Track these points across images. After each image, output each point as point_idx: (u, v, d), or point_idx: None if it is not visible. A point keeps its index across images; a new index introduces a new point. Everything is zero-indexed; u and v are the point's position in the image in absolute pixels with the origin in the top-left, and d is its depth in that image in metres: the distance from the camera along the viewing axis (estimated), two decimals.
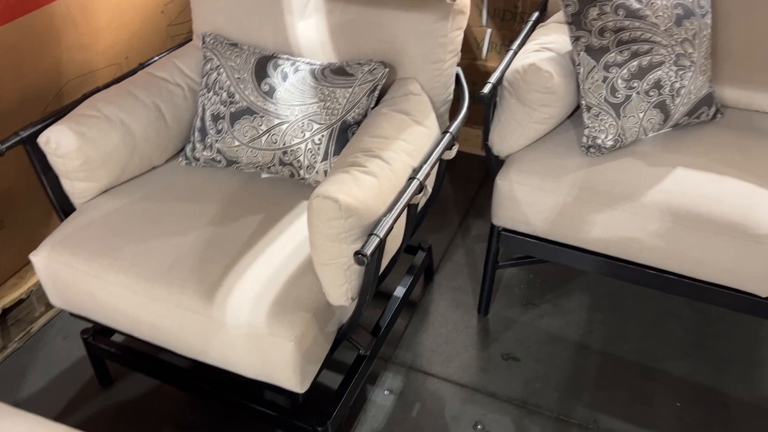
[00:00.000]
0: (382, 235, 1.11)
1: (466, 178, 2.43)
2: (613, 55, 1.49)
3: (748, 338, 1.80)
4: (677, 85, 1.54)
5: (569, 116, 1.70)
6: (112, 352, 1.59)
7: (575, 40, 1.52)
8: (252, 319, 1.22)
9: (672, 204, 1.44)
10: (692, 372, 1.72)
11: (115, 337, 1.67)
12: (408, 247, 1.89)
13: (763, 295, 1.44)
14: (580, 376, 1.71)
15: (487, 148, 1.65)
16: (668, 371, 1.72)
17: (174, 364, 1.54)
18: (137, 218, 1.44)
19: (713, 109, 1.67)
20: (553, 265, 2.05)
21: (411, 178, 1.25)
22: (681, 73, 1.53)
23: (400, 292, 1.72)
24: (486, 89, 1.51)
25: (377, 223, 1.14)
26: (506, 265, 1.80)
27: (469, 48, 2.27)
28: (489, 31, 2.22)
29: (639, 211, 1.46)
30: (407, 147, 1.29)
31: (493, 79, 1.55)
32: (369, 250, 1.08)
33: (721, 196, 1.44)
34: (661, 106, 1.55)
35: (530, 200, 1.55)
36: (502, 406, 1.64)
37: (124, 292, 1.32)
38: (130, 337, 1.43)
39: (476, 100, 1.51)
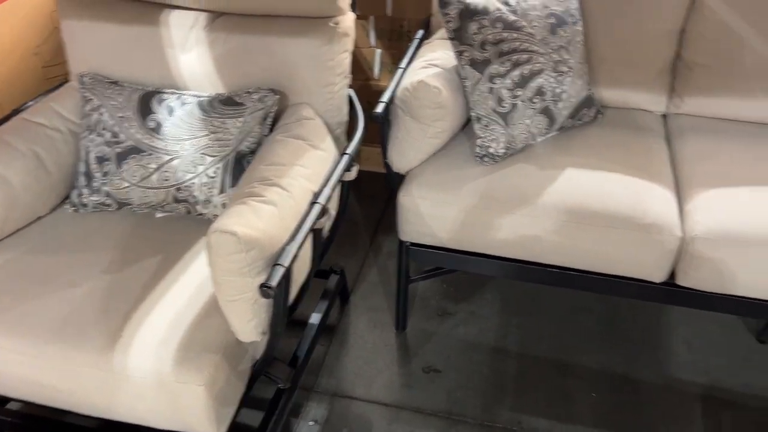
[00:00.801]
0: (286, 264, 1.09)
1: (372, 197, 2.44)
2: (495, 66, 1.55)
3: (653, 323, 1.90)
4: (558, 90, 1.61)
5: (462, 128, 1.74)
6: (9, 422, 1.46)
7: (459, 54, 1.56)
8: (157, 368, 1.15)
9: (566, 203, 1.50)
10: (605, 362, 1.79)
11: (12, 405, 1.54)
12: (320, 272, 1.87)
13: (658, 281, 1.53)
14: (501, 380, 1.74)
15: (387, 166, 1.66)
16: (584, 365, 1.79)
17: (81, 425, 1.44)
18: (23, 275, 1.34)
19: (594, 110, 1.76)
20: (465, 274, 2.09)
21: (313, 203, 1.24)
22: (560, 78, 1.61)
23: (316, 318, 1.69)
24: (379, 108, 1.53)
25: (281, 252, 1.12)
26: (418, 279, 1.82)
27: (362, 69, 2.29)
28: (379, 51, 2.25)
29: (536, 213, 1.51)
30: (305, 172, 1.28)
31: (385, 98, 1.57)
32: (274, 282, 1.05)
33: (609, 191, 1.52)
34: (546, 112, 1.62)
35: (434, 213, 1.57)
36: (428, 420, 1.64)
37: (15, 356, 1.22)
38: (29, 404, 1.32)
39: (372, 120, 1.52)
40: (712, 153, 1.65)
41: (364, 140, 2.20)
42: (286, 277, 1.10)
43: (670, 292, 1.54)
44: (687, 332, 1.86)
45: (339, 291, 1.88)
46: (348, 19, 1.47)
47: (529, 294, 2.01)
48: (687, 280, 1.50)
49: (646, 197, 1.51)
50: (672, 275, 1.52)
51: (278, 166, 1.25)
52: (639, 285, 1.56)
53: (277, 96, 1.45)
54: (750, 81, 1.70)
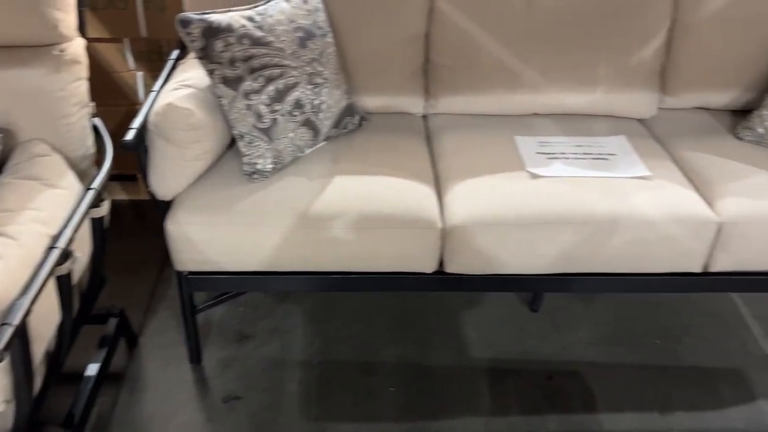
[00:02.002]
0: (17, 322, 0.98)
1: (157, 226, 2.31)
2: (249, 83, 1.54)
3: (441, 310, 2.01)
4: (317, 101, 1.65)
5: (230, 146, 1.71)
6: None
7: (210, 73, 1.53)
8: None
9: (336, 210, 1.53)
10: (403, 354, 1.86)
11: None
12: (97, 317, 1.72)
13: (430, 272, 1.62)
14: (305, 392, 1.74)
15: (150, 194, 1.58)
16: (384, 360, 1.84)
17: None
18: None
19: (357, 118, 1.82)
20: (261, 293, 2.06)
21: (50, 248, 1.13)
22: (317, 90, 1.64)
23: (93, 369, 1.56)
24: (130, 135, 1.44)
25: (9, 309, 1.00)
26: (205, 308, 1.75)
27: (125, 94, 2.16)
28: (140, 74, 2.14)
29: (311, 224, 1.52)
30: (39, 215, 1.16)
31: (137, 123, 1.48)
32: (1, 344, 0.94)
33: (376, 194, 1.58)
34: (308, 124, 1.64)
35: (205, 237, 1.52)
36: None
37: None
38: None
39: (123, 148, 1.43)
40: (465, 147, 1.79)
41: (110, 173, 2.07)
42: (21, 335, 0.99)
43: (443, 280, 1.65)
44: (471, 313, 2.00)
45: (122, 334, 1.75)
46: (76, 45, 1.37)
47: (327, 301, 2.04)
48: (454, 266, 1.61)
49: (409, 195, 1.60)
50: (441, 264, 1.62)
51: (3, 212, 1.13)
52: (415, 278, 1.64)
53: (1, 135, 1.30)
54: (490, 78, 1.87)
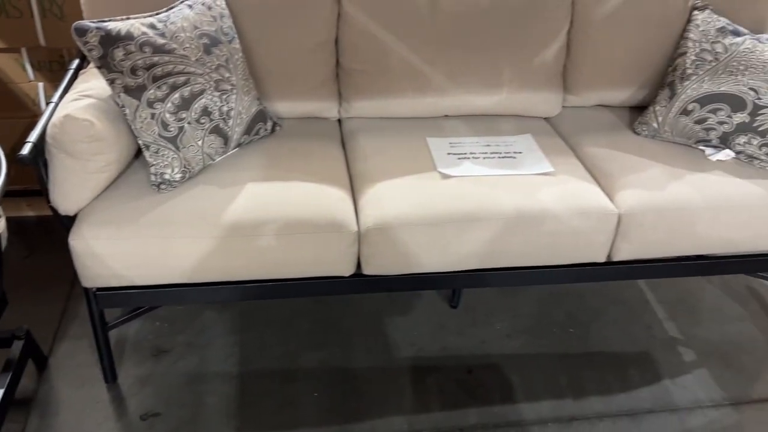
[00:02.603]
0: None
1: (64, 242, 2.22)
2: (152, 91, 1.50)
3: (363, 312, 2.02)
4: (225, 108, 1.63)
5: (137, 156, 1.67)
6: None
7: (111, 82, 1.48)
8: None
9: (248, 218, 1.52)
10: (325, 359, 1.86)
11: None
12: (0, 340, 1.64)
13: (347, 275, 1.63)
14: (225, 405, 1.71)
15: (53, 210, 1.52)
16: (305, 366, 1.84)
17: None
18: None
19: (270, 124, 1.81)
20: (180, 306, 2.01)
21: None
22: (225, 97, 1.62)
23: None
24: (26, 150, 1.38)
25: None
26: (117, 324, 1.70)
27: (25, 106, 2.07)
28: (41, 84, 2.05)
29: (223, 233, 1.50)
30: None
31: (33, 137, 1.42)
32: None
33: (289, 200, 1.57)
34: (217, 131, 1.62)
35: (112, 252, 1.47)
36: None
37: None
38: None
39: (19, 163, 1.37)
40: (379, 150, 1.81)
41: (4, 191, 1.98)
42: None
43: (361, 283, 1.66)
44: (392, 313, 2.02)
45: (29, 356, 1.67)
46: None
47: (246, 310, 2.01)
48: (371, 268, 1.62)
49: (324, 199, 1.60)
50: (359, 266, 1.63)
51: None
52: (333, 282, 1.65)
53: None
54: (400, 82, 1.90)
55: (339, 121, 2.00)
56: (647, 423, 1.71)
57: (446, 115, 1.98)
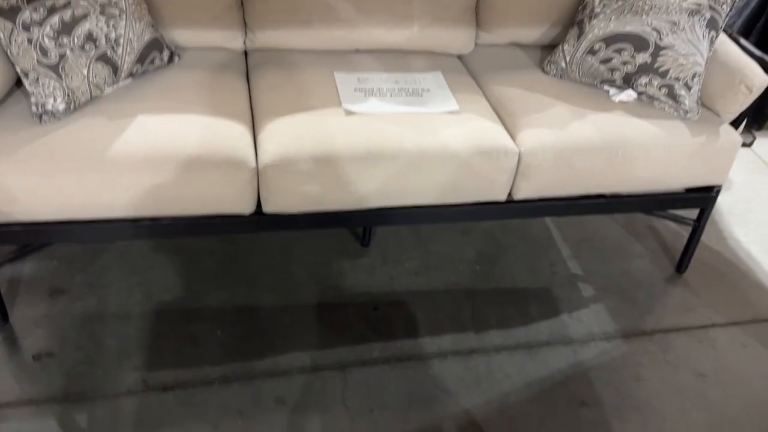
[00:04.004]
0: None
1: None
2: (27, 13, 1.38)
3: (271, 252, 2.00)
4: (113, 35, 1.52)
5: (18, 85, 1.56)
6: None
7: None
8: None
9: (141, 152, 1.45)
10: (228, 298, 1.84)
11: None
12: None
13: (248, 213, 1.59)
14: (124, 345, 1.68)
15: None
16: (208, 306, 1.81)
17: None
18: None
19: (167, 53, 1.72)
20: (78, 246, 1.94)
21: None
22: (112, 22, 1.52)
23: None
24: None
25: None
26: (4, 263, 1.62)
27: None
28: None
29: (110, 168, 1.43)
30: None
31: None
32: None
33: (183, 134, 1.50)
34: (105, 59, 1.52)
35: None
36: (41, 409, 1.51)
37: None
38: None
39: None
40: (284, 83, 1.74)
41: None
42: None
43: (261, 221, 1.62)
44: (301, 252, 2.01)
45: None
46: None
47: (148, 251, 1.95)
48: (271, 206, 1.59)
49: (221, 134, 1.54)
50: (259, 204, 1.60)
51: None
52: (233, 220, 1.61)
53: None
54: (305, 12, 1.82)
55: (245, 53, 1.91)
56: (542, 355, 1.78)
57: (357, 50, 1.92)
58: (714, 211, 2.33)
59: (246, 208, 1.58)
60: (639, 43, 1.76)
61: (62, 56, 1.44)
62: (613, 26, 1.78)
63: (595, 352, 1.80)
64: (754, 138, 2.74)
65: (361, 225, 1.99)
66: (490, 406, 1.63)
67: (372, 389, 1.64)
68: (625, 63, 1.78)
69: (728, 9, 1.76)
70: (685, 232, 2.07)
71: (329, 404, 1.60)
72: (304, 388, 1.63)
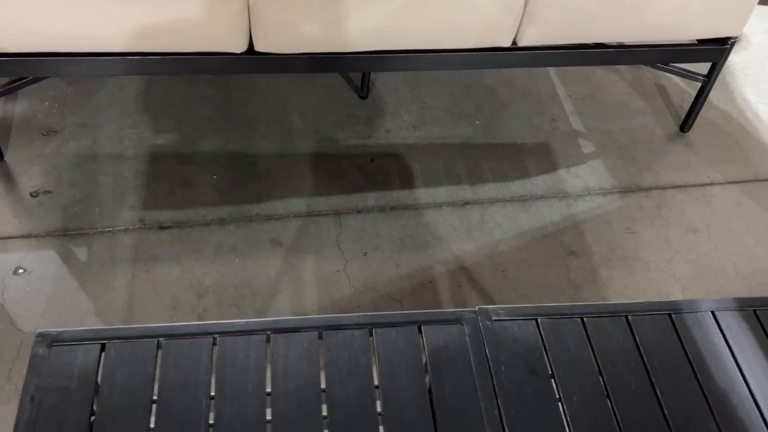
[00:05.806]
0: None
1: None
2: None
3: (266, 100, 1.95)
4: None
5: None
6: None
7: None
8: None
9: None
10: (223, 144, 1.82)
11: None
12: None
13: (240, 51, 1.53)
14: (119, 184, 1.69)
15: None
16: (202, 150, 1.80)
17: None
18: None
19: None
20: (71, 86, 1.89)
21: None
22: None
23: None
24: None
25: None
26: None
27: None
28: None
29: None
30: None
31: None
32: None
33: None
34: None
35: None
36: (40, 242, 1.54)
37: None
38: None
39: None
40: None
41: None
42: None
43: (254, 60, 1.57)
44: (298, 100, 1.97)
45: None
46: None
47: (142, 93, 1.91)
48: (264, 45, 1.52)
49: None
50: (252, 44, 1.53)
51: None
52: (224, 59, 1.55)
53: None
54: None
55: None
56: (535, 207, 1.79)
57: None
58: (726, 71, 2.24)
59: (238, 45, 1.52)
60: None
61: None
62: None
63: (589, 206, 1.81)
64: None
65: (358, 70, 1.93)
66: (480, 252, 1.66)
67: (366, 234, 1.67)
68: None
69: None
70: (693, 90, 2.00)
71: (324, 246, 1.63)
72: (299, 231, 1.66)
